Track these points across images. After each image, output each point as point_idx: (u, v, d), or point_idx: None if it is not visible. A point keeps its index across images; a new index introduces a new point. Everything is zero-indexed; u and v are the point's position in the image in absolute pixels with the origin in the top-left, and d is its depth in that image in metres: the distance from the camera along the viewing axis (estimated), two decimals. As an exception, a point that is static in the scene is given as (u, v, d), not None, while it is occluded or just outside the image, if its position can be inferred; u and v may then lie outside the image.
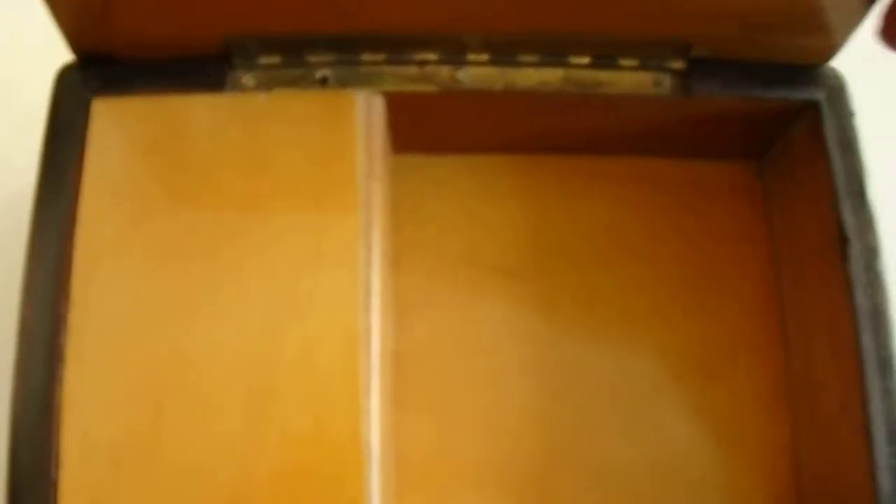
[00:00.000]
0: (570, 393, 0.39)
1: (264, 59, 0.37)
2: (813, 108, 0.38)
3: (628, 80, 0.37)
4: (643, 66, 0.37)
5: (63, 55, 0.37)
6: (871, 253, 0.36)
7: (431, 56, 0.37)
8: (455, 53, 0.37)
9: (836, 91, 0.38)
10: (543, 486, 0.38)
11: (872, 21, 0.34)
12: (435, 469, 0.38)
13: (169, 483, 0.33)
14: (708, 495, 0.39)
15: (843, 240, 0.36)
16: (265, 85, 0.36)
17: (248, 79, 0.36)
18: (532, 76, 0.37)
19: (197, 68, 0.36)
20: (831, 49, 0.37)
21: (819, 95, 0.38)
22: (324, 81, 0.37)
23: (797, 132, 0.39)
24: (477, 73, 0.37)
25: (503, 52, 0.37)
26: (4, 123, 0.46)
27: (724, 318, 0.41)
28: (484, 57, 0.37)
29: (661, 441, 0.39)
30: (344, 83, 0.37)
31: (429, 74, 0.37)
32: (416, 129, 0.39)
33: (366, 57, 0.37)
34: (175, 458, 0.33)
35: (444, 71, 0.37)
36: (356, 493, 0.32)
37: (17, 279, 0.35)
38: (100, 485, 0.33)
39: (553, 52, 0.37)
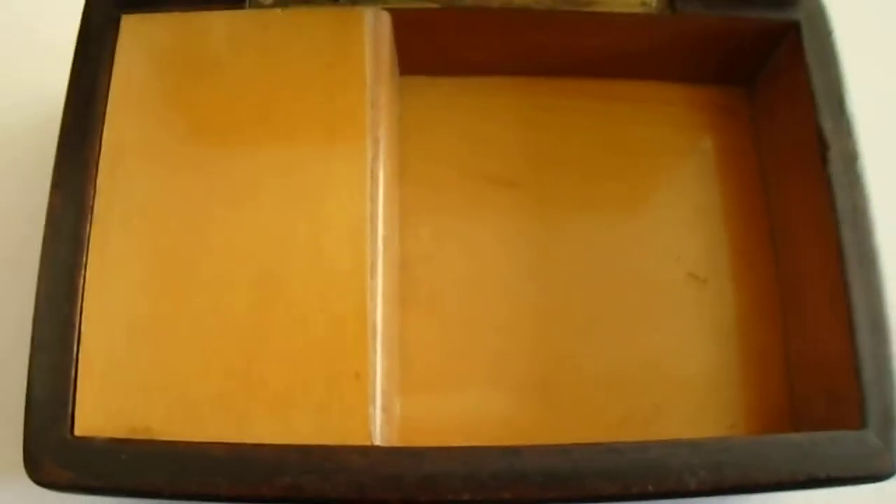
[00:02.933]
0: (568, 296, 0.41)
1: (280, -23, 0.40)
2: (794, 28, 0.41)
3: (617, -2, 0.40)
4: (631, -15, 0.40)
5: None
6: (851, 157, 0.38)
7: (434, -25, 0.40)
8: (456, -28, 0.40)
9: (815, 12, 0.41)
10: (543, 384, 0.40)
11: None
12: (439, 367, 0.40)
13: (183, 359, 0.35)
14: (702, 392, 0.41)
15: (822, 145, 0.38)
16: (281, 2, 0.39)
17: (265, -5, 0.40)
18: (528, -6, 0.40)
19: (218, -15, 0.39)
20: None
21: (799, 16, 0.41)
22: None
23: (780, 52, 0.42)
24: (476, -9, 0.40)
25: (501, -28, 0.40)
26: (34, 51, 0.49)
27: (715, 227, 0.43)
28: (483, -24, 0.40)
29: (656, 342, 0.41)
30: (354, 1, 0.39)
31: (431, -7, 0.40)
32: (421, 50, 0.42)
33: (374, -23, 0.40)
34: (189, 332, 0.35)
35: (446, -11, 0.40)
36: (360, 367, 0.35)
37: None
38: (116, 360, 0.35)
39: (547, -29, 0.40)
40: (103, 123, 0.38)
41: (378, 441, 0.34)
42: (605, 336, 0.41)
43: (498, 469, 0.33)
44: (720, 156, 0.44)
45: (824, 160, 0.38)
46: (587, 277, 0.42)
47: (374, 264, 0.36)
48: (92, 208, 0.36)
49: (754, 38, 0.42)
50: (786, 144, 0.42)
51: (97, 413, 0.34)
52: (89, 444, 0.34)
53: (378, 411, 0.34)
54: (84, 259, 0.36)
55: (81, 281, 0.35)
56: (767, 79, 0.43)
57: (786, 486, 0.34)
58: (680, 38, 0.42)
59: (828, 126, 0.39)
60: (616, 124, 0.44)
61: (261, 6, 0.39)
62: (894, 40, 0.51)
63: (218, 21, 0.39)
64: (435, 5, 0.40)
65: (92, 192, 0.36)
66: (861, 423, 0.35)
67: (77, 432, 0.34)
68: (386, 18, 0.39)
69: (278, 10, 0.39)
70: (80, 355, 0.35)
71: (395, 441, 0.37)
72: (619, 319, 0.41)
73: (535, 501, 0.32)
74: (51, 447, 0.34)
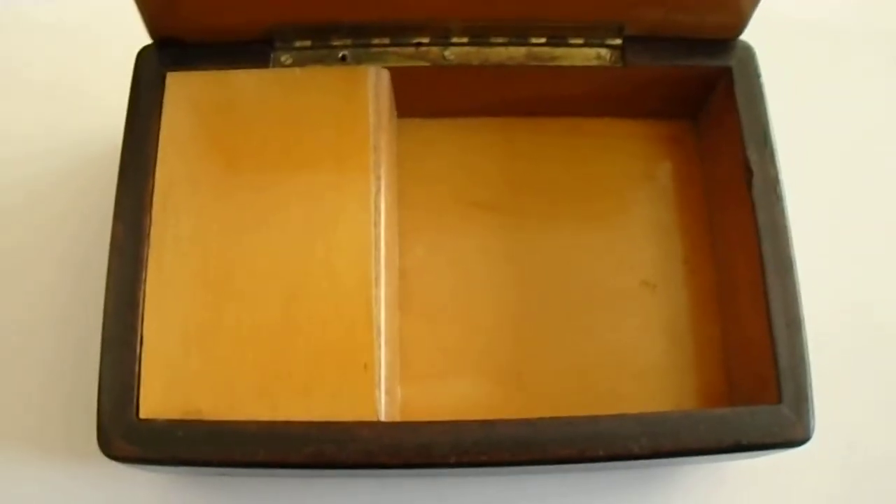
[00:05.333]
0: (541, 300, 0.49)
1: (299, 43, 0.48)
2: (727, 73, 0.48)
3: (576, 54, 0.48)
4: (587, 44, 0.48)
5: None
6: (772, 182, 0.46)
7: (425, 39, 0.48)
8: (443, 37, 0.48)
9: (745, 59, 0.48)
10: (519, 373, 0.48)
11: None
12: (432, 360, 0.48)
13: (225, 355, 0.43)
14: (654, 378, 0.48)
15: (748, 172, 0.46)
16: (299, 62, 0.48)
17: (286, 57, 0.48)
18: (502, 53, 0.48)
19: (247, 49, 0.47)
20: (739, 25, 0.47)
21: (731, 63, 0.48)
22: (343, 59, 0.48)
23: (717, 93, 0.49)
24: (459, 52, 0.48)
25: (479, 35, 0.48)
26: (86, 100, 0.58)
27: (665, 241, 0.51)
28: (465, 39, 0.48)
29: (615, 337, 0.49)
30: (359, 60, 0.48)
31: (423, 53, 0.48)
32: (415, 98, 0.50)
33: (375, 40, 0.48)
34: (231, 336, 0.43)
35: (435, 50, 0.48)
36: (367, 359, 0.43)
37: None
38: (171, 357, 0.43)
39: (517, 34, 0.48)
40: (155, 163, 0.45)
41: (383, 418, 0.42)
42: (571, 333, 0.49)
43: (477, 438, 0.40)
44: (670, 180, 0.52)
45: (749, 185, 0.46)
46: (557, 284, 0.50)
47: (377, 277, 0.44)
48: (148, 234, 0.44)
49: (695, 82, 0.50)
50: (722, 170, 0.50)
51: (157, 399, 0.42)
52: (151, 425, 0.41)
53: (382, 395, 0.42)
54: (143, 275, 0.43)
55: (141, 294, 0.43)
56: (708, 115, 0.51)
57: (713, 452, 0.42)
58: (632, 83, 0.50)
59: (753, 156, 0.46)
60: (581, 155, 0.52)
61: (282, 65, 0.47)
62: (814, 81, 0.60)
63: (248, 78, 0.47)
64: (426, 64, 0.48)
65: (148, 220, 0.44)
66: (777, 399, 0.42)
67: (141, 415, 0.41)
68: (385, 75, 0.48)
69: (297, 69, 0.47)
70: (142, 354, 0.42)
71: (397, 418, 0.45)
72: (583, 319, 0.49)
73: (506, 464, 0.40)
74: (120, 427, 0.41)
